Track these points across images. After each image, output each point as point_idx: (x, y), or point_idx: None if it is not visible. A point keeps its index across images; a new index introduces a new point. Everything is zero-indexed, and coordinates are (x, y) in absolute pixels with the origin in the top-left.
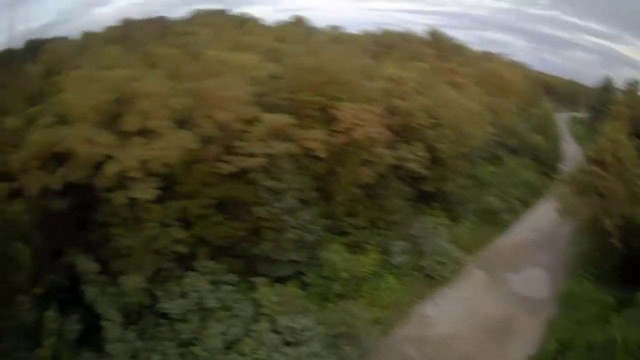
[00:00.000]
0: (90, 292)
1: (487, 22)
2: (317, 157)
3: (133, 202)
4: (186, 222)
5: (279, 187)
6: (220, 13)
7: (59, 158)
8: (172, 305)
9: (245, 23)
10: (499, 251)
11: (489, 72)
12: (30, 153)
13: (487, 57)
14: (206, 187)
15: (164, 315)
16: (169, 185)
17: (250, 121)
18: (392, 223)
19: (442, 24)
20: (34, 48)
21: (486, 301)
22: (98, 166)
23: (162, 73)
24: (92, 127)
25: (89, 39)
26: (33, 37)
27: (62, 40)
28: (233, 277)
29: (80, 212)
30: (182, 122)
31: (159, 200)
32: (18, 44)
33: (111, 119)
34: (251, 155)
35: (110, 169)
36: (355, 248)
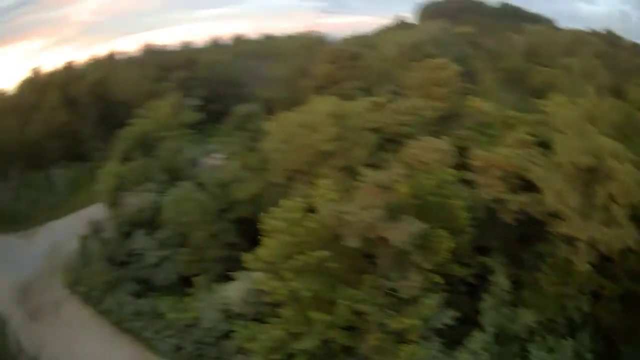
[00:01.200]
0: (486, 301)
1: None
2: None
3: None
4: (595, 297)
5: None
6: None
7: (522, 179)
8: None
9: None
10: None
11: None
12: (493, 161)
13: None
14: (629, 276)
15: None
16: (603, 259)
17: None
18: None
19: None
20: (517, 16)
21: None
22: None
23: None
24: (562, 181)
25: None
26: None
27: (549, 28)
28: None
29: (524, 230)
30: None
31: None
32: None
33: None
34: None
35: (566, 230)
36: None
